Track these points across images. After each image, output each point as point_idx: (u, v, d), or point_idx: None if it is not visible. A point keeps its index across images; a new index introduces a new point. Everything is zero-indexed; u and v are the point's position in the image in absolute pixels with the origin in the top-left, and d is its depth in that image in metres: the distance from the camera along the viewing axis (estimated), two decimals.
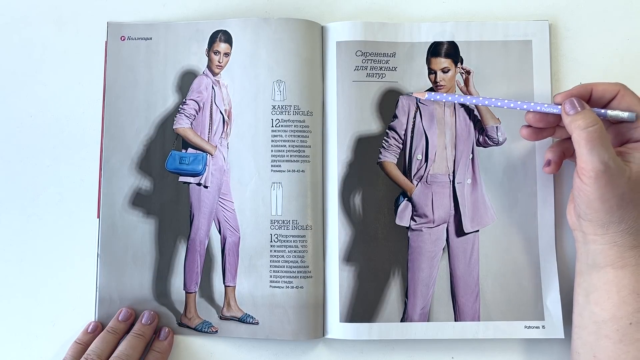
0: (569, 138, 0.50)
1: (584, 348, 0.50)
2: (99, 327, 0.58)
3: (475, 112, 0.59)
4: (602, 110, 0.50)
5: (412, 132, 0.59)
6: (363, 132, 0.59)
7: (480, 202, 0.58)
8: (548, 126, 0.53)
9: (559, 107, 0.50)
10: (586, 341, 0.50)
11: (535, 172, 0.58)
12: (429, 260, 0.58)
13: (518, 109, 0.52)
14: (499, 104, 0.53)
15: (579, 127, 0.47)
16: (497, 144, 0.59)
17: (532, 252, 0.58)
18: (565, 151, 0.55)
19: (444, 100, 0.56)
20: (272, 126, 0.59)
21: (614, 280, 0.48)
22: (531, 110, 0.52)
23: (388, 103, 0.60)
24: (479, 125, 0.59)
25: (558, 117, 0.52)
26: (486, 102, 0.54)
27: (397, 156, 0.59)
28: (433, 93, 0.55)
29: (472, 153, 0.59)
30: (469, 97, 0.55)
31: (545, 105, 0.51)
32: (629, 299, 0.48)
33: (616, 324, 0.48)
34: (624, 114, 0.49)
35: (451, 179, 0.59)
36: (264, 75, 0.60)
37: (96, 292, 0.59)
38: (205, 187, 0.60)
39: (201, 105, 0.60)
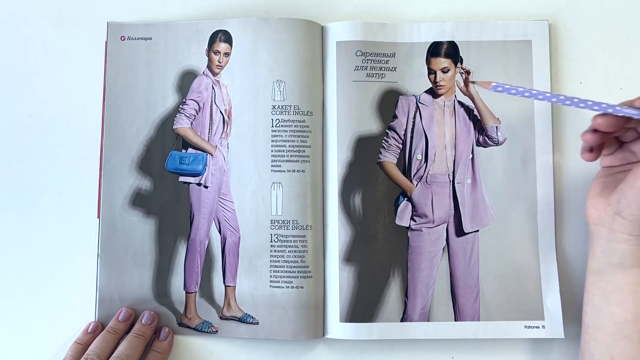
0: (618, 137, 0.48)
1: (599, 349, 0.49)
2: (99, 327, 0.58)
3: (475, 112, 0.59)
4: None
5: (412, 132, 0.59)
6: (363, 132, 0.59)
7: (480, 202, 0.58)
8: (616, 130, 0.47)
9: None
10: (603, 342, 0.49)
11: (535, 172, 0.58)
12: (428, 260, 0.58)
13: (599, 111, 0.45)
14: (581, 105, 0.45)
15: None
16: (497, 144, 0.59)
17: (532, 252, 0.58)
18: (610, 145, 0.51)
19: (511, 93, 0.47)
20: (272, 126, 0.59)
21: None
22: (616, 114, 0.45)
23: (388, 103, 0.60)
24: (479, 125, 0.59)
25: (627, 122, 0.47)
26: (553, 100, 0.46)
27: (397, 156, 0.59)
28: (500, 83, 0.47)
29: (472, 153, 0.59)
30: (542, 92, 0.47)
31: (633, 110, 0.44)
32: None
33: (638, 324, 0.47)
34: None
35: (451, 179, 0.59)
36: (264, 75, 0.60)
37: (96, 292, 0.59)
38: (205, 187, 0.60)
39: (201, 105, 0.60)
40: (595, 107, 0.45)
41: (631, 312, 0.47)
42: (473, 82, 0.53)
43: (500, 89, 0.47)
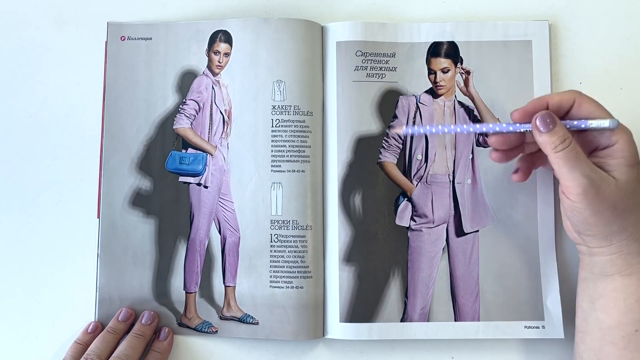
0: (539, 150, 0.49)
1: (588, 353, 0.49)
2: (99, 327, 0.58)
3: (475, 112, 0.59)
4: (583, 122, 0.47)
5: None
6: (363, 132, 0.59)
7: (480, 202, 0.58)
8: (513, 146, 0.52)
9: (527, 125, 0.48)
10: (591, 347, 0.49)
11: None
12: (428, 260, 0.58)
13: (485, 130, 0.51)
14: (471, 129, 0.51)
15: (554, 150, 0.46)
16: None
17: (532, 252, 0.58)
18: (536, 160, 0.54)
19: (420, 132, 0.57)
20: (272, 126, 0.59)
21: (621, 288, 0.48)
22: (497, 131, 0.50)
23: (388, 103, 0.60)
24: None
25: (521, 136, 0.51)
26: (455, 129, 0.53)
27: (397, 156, 0.59)
28: (410, 128, 0.56)
29: (472, 153, 0.59)
30: (440, 126, 0.53)
31: (511, 126, 0.49)
32: (636, 306, 0.47)
33: (622, 330, 0.47)
34: (606, 123, 0.47)
35: (451, 179, 0.59)
36: (264, 75, 0.60)
37: (96, 292, 0.59)
38: (205, 187, 0.60)
39: (201, 105, 0.60)
40: (494, 128, 0.50)
41: (615, 319, 0.48)
42: (393, 131, 0.59)
43: (410, 130, 0.56)
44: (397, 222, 0.58)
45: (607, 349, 0.48)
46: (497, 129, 0.50)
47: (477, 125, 0.51)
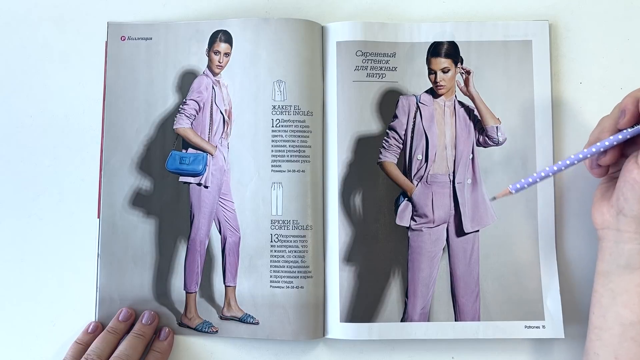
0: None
1: (604, 349, 0.49)
2: (99, 327, 0.58)
3: (475, 112, 0.59)
4: None
5: (412, 132, 0.59)
6: (363, 132, 0.59)
7: (480, 202, 0.58)
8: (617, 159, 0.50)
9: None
10: (608, 343, 0.49)
11: (535, 172, 0.58)
12: (429, 260, 0.58)
13: (609, 145, 0.48)
14: (581, 156, 0.49)
15: None
16: (497, 144, 0.59)
17: (532, 252, 0.58)
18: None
19: (530, 184, 0.50)
20: (272, 126, 0.59)
21: None
22: (620, 140, 0.48)
23: (388, 103, 0.60)
24: (479, 125, 0.59)
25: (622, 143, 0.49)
26: (568, 162, 0.49)
27: (397, 156, 0.59)
28: (515, 184, 0.50)
29: (472, 153, 0.59)
30: (549, 169, 0.50)
31: (629, 130, 0.48)
32: None
33: None
34: None
35: (451, 179, 0.59)
36: (264, 75, 0.60)
37: (96, 292, 0.59)
38: (206, 187, 0.60)
39: (201, 105, 0.60)
40: (594, 149, 0.49)
41: (637, 314, 0.48)
42: (494, 199, 0.52)
43: (518, 186, 0.50)
44: (398, 222, 0.58)
45: (626, 345, 0.48)
46: (620, 137, 0.48)
47: (599, 143, 0.48)
